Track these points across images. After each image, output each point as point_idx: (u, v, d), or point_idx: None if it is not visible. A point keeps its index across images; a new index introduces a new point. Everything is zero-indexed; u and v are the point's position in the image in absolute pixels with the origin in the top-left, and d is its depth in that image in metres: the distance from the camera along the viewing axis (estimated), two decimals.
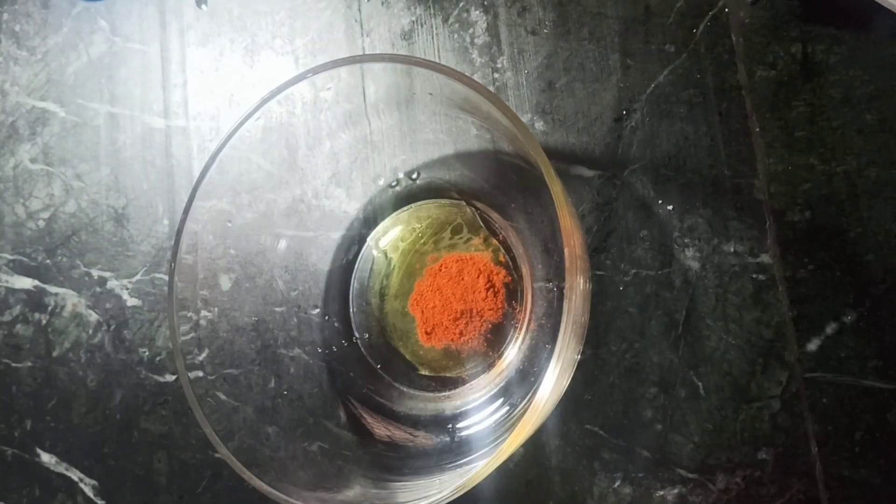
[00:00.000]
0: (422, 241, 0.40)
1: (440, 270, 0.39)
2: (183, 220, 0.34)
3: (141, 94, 0.47)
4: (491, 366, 0.38)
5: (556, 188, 0.28)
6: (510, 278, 0.38)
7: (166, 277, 0.44)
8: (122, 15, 0.48)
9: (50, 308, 0.46)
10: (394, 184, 0.41)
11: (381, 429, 0.38)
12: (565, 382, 0.34)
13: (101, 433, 0.44)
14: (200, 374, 0.34)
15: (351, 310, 0.41)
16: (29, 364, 0.46)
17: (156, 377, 0.44)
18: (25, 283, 0.47)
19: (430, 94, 0.35)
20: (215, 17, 0.46)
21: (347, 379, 0.40)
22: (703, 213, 0.37)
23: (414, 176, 0.40)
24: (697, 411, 0.36)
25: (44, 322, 0.46)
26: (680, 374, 0.36)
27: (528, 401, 0.32)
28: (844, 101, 0.36)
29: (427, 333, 0.38)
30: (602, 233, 0.38)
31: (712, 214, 0.36)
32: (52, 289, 0.47)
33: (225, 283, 0.36)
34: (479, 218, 0.39)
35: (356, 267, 0.41)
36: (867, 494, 0.33)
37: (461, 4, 0.42)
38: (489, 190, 0.39)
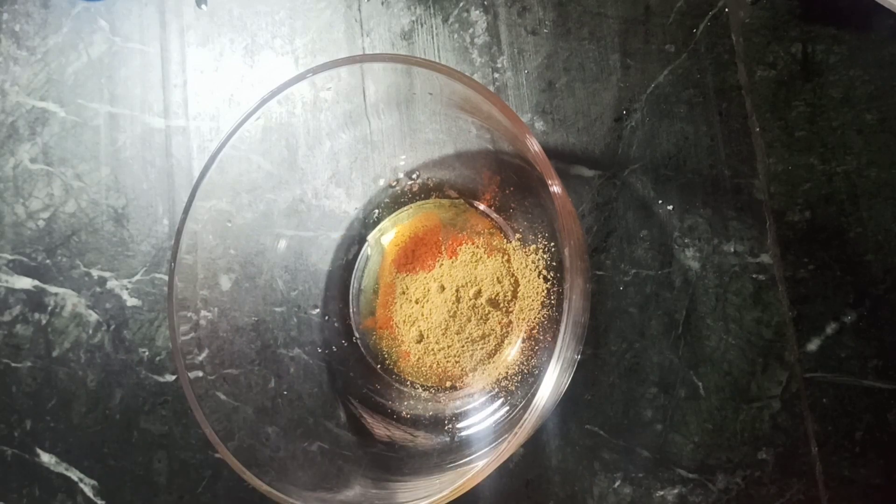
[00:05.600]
0: (419, 242, 0.40)
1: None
2: (183, 220, 0.34)
3: (141, 94, 0.47)
4: (491, 366, 0.38)
5: (556, 188, 0.28)
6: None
7: (166, 277, 0.44)
8: (122, 15, 0.48)
9: (50, 308, 0.46)
10: (394, 184, 0.41)
11: (381, 429, 0.38)
12: (565, 382, 0.34)
13: (101, 433, 0.44)
14: (200, 374, 0.34)
15: (351, 310, 0.41)
16: (29, 364, 0.46)
17: (156, 377, 0.44)
18: (25, 283, 0.47)
19: (430, 94, 0.35)
20: (215, 17, 0.46)
21: (347, 379, 0.40)
22: (703, 213, 0.37)
23: (414, 176, 0.40)
24: (697, 411, 0.36)
25: (44, 322, 0.46)
26: (680, 374, 0.36)
27: (528, 401, 0.32)
28: (844, 101, 0.36)
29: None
30: (602, 233, 0.38)
31: (712, 214, 0.36)
32: (52, 289, 0.47)
33: (225, 283, 0.36)
34: (479, 218, 0.39)
35: (356, 267, 0.41)
36: (867, 494, 0.33)
37: (461, 4, 0.42)
38: (489, 190, 0.39)
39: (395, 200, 0.41)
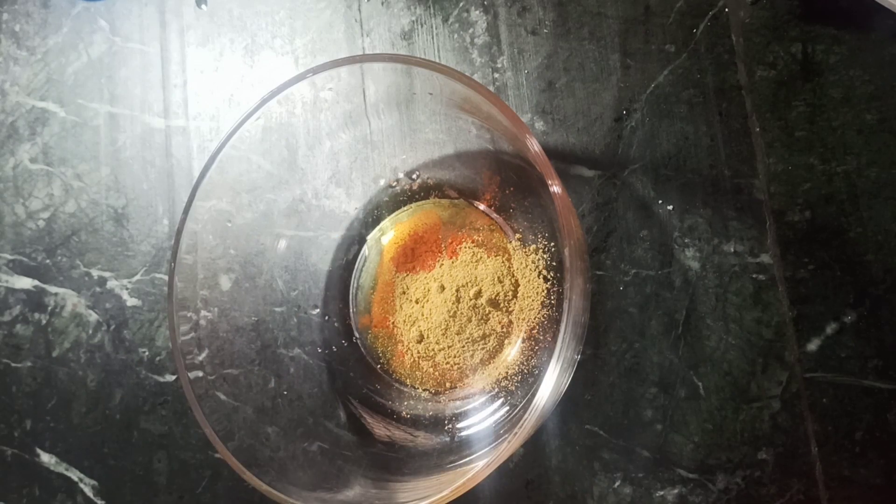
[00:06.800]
0: (419, 240, 0.40)
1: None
2: (183, 220, 0.34)
3: (141, 94, 0.47)
4: (491, 366, 0.38)
5: (556, 188, 0.28)
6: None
7: (166, 277, 0.44)
8: (122, 15, 0.48)
9: (50, 308, 0.46)
10: (394, 184, 0.41)
11: (381, 429, 0.38)
12: (565, 382, 0.34)
13: (101, 433, 0.44)
14: (200, 374, 0.34)
15: (351, 310, 0.41)
16: (29, 364, 0.46)
17: (156, 377, 0.44)
18: (25, 283, 0.47)
19: (430, 94, 0.35)
20: (215, 17, 0.46)
21: (347, 379, 0.40)
22: (703, 213, 0.37)
23: (414, 176, 0.40)
24: (697, 411, 0.36)
25: (44, 322, 0.46)
26: (680, 374, 0.36)
27: (528, 401, 0.32)
28: (844, 101, 0.36)
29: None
30: (602, 233, 0.38)
31: (712, 214, 0.36)
32: (52, 289, 0.47)
33: (225, 283, 0.36)
34: (479, 217, 0.39)
35: (356, 267, 0.41)
36: (867, 494, 0.33)
37: (461, 4, 0.42)
38: (489, 190, 0.39)
39: (395, 200, 0.41)
